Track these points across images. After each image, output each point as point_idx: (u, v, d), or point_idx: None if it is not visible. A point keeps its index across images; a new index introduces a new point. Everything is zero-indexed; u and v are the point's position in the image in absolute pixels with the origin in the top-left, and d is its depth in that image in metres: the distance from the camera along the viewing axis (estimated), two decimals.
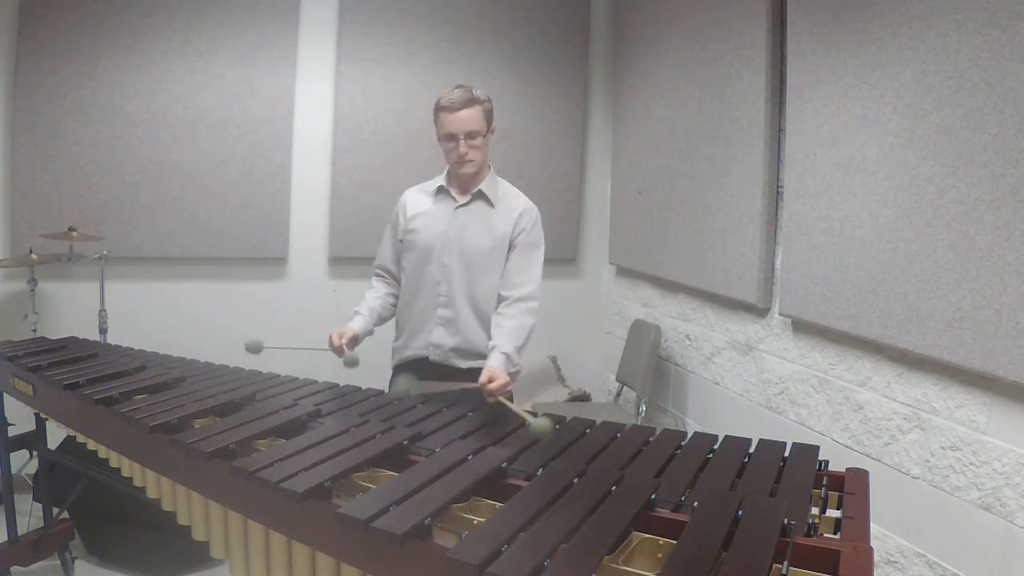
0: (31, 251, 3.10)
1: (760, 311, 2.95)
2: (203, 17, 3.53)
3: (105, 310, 3.22)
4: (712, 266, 3.18)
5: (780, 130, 2.80)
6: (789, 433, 2.68)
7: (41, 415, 2.56)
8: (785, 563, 1.06)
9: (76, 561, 2.83)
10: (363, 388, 2.13)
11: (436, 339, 2.27)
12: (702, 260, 3.26)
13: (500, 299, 2.24)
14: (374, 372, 2.35)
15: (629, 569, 1.14)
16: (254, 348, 2.23)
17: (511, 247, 2.26)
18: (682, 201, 3.42)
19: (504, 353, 2.08)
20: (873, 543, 1.22)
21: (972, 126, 1.94)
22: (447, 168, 2.33)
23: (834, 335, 2.54)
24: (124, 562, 2.85)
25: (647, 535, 1.24)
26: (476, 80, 3.92)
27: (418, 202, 2.35)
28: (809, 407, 2.68)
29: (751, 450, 1.65)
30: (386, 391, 2.32)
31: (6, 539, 2.68)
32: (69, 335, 2.80)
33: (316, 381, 2.18)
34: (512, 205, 2.29)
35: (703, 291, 3.33)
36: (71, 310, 3.43)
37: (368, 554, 1.25)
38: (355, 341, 2.20)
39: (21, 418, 2.64)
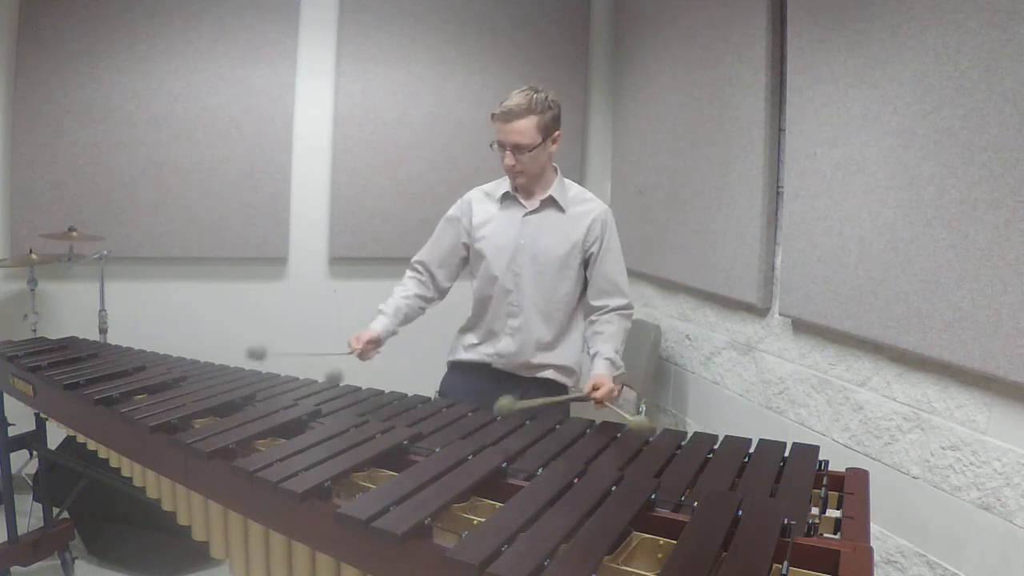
0: (31, 251, 3.09)
1: (760, 311, 2.95)
2: (203, 17, 3.53)
3: (105, 310, 3.22)
4: (712, 266, 3.18)
5: (780, 130, 2.80)
6: (789, 433, 2.68)
7: (41, 415, 2.57)
8: (785, 563, 1.06)
9: (76, 561, 2.83)
10: (363, 388, 2.13)
11: (503, 348, 2.19)
12: (702, 260, 3.25)
13: (593, 308, 2.20)
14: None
15: (629, 569, 1.14)
16: (257, 355, 2.11)
17: (588, 255, 2.18)
18: (682, 201, 3.42)
19: (607, 359, 2.07)
20: (873, 543, 1.22)
21: (972, 126, 1.94)
22: None
23: (834, 335, 2.54)
24: (124, 562, 2.85)
25: (647, 535, 1.24)
26: (476, 80, 3.95)
27: (485, 208, 2.24)
28: (809, 407, 2.68)
29: (751, 450, 1.65)
30: (436, 392, 2.30)
31: (6, 539, 2.68)
32: (69, 335, 2.80)
33: (316, 381, 2.17)
34: (584, 210, 2.19)
35: (703, 291, 3.33)
36: (71, 310, 3.43)
37: (368, 554, 1.25)
38: (376, 344, 2.12)
39: (21, 418, 2.64)
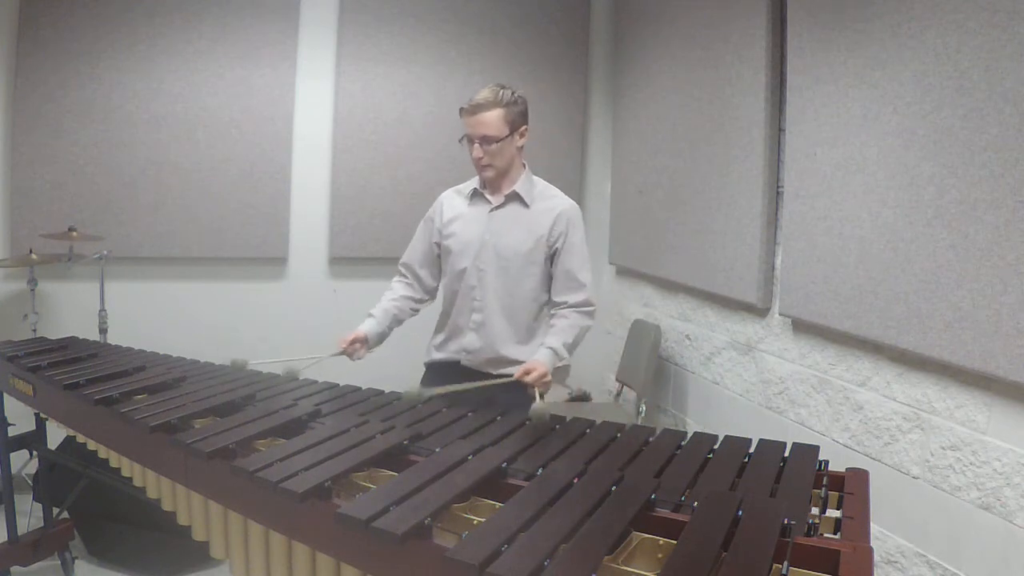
0: (31, 251, 3.10)
1: (760, 311, 2.95)
2: (203, 17, 3.53)
3: (105, 310, 3.22)
4: (712, 266, 3.18)
5: (780, 130, 2.80)
6: (789, 433, 2.68)
7: (41, 415, 2.56)
8: (785, 563, 1.06)
9: (76, 561, 2.83)
10: (363, 388, 2.13)
11: (468, 344, 2.22)
12: (702, 260, 3.25)
13: (554, 304, 2.22)
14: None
15: (629, 569, 1.14)
16: (239, 366, 2.17)
17: (553, 251, 2.20)
18: (682, 201, 3.42)
19: (550, 348, 2.08)
20: (873, 543, 1.21)
21: (972, 126, 1.94)
22: None
23: (834, 335, 2.54)
24: (124, 562, 2.85)
25: (647, 535, 1.24)
26: (476, 80, 3.94)
27: (455, 205, 2.28)
28: (809, 407, 2.68)
29: (751, 450, 1.65)
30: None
31: (6, 539, 2.68)
32: (69, 335, 2.79)
33: (316, 381, 2.17)
34: (549, 206, 2.21)
35: (703, 291, 3.33)
36: (71, 310, 3.43)
37: (368, 554, 1.25)
38: (362, 343, 2.17)
39: (21, 418, 2.64)
